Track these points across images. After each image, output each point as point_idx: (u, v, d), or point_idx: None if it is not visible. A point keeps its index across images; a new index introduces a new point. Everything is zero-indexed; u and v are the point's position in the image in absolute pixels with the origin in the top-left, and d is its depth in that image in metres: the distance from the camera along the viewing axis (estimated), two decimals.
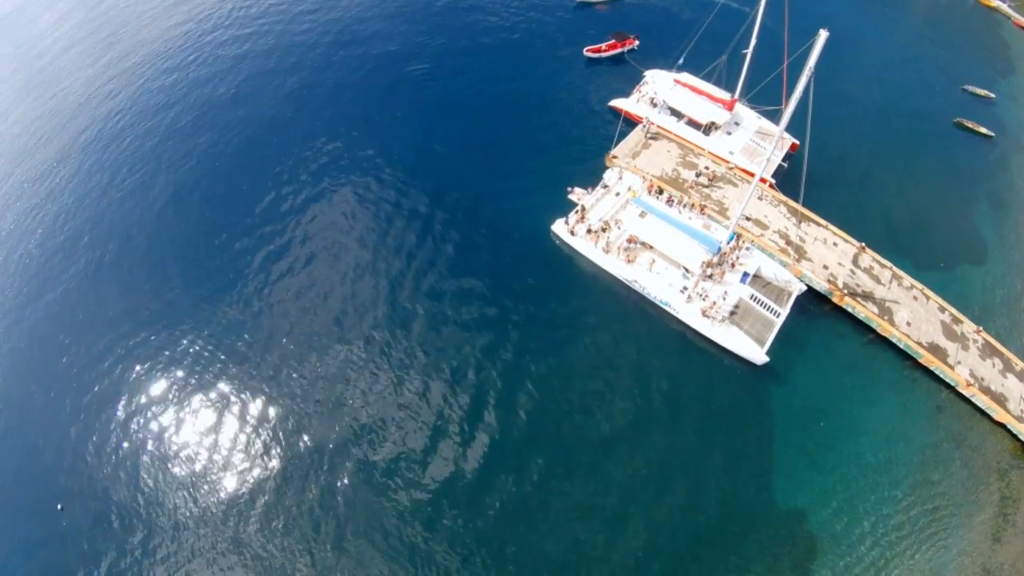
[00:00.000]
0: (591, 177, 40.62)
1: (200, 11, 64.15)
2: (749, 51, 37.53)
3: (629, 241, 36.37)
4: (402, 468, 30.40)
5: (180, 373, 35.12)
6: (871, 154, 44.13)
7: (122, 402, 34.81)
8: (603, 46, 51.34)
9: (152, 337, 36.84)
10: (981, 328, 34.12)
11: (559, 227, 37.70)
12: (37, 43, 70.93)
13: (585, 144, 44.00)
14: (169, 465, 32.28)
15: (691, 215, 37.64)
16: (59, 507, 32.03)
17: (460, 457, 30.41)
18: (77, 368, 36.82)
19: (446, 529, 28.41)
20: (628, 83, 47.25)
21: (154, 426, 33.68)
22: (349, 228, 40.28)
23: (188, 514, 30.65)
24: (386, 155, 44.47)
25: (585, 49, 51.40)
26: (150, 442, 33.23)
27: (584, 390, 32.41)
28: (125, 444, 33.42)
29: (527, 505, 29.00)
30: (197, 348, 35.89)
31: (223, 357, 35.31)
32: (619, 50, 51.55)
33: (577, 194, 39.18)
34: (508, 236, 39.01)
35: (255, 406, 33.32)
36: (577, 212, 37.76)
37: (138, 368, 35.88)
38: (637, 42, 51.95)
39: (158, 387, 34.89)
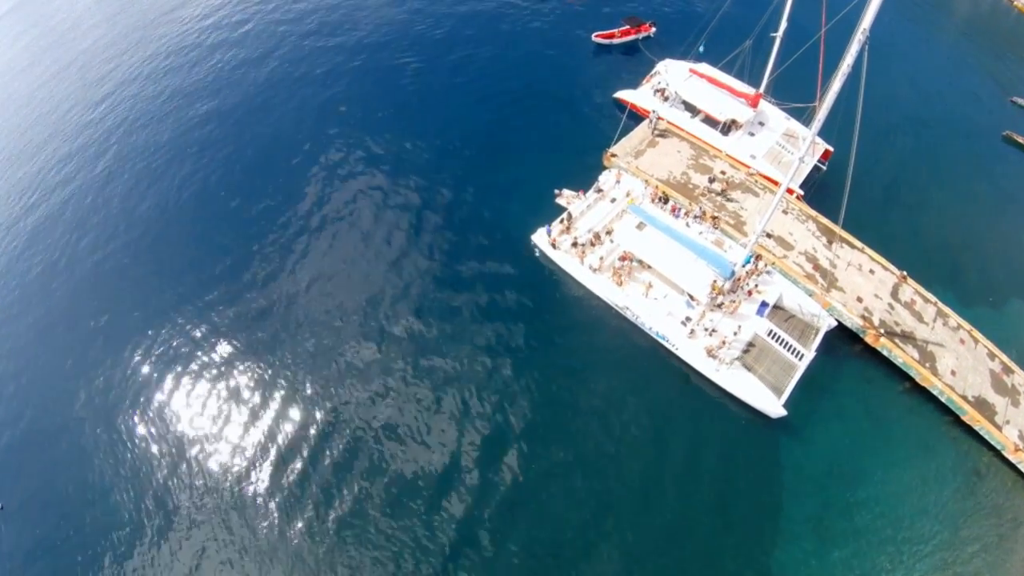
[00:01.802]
0: (587, 179, 35.00)
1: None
2: (779, 34, 31.90)
3: (622, 259, 30.31)
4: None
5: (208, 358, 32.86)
6: (911, 167, 38.58)
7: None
8: (616, 32, 45.94)
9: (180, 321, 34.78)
10: None
11: (539, 238, 31.97)
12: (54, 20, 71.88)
13: (584, 140, 38.39)
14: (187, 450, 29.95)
15: (701, 229, 31.55)
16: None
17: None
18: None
19: None
20: (639, 74, 41.91)
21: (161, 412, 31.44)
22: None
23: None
24: (354, 149, 40.62)
25: (594, 34, 46.04)
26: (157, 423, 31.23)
27: (550, 444, 27.32)
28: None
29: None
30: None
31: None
32: (633, 37, 46.07)
33: (566, 197, 33.50)
34: (481, 246, 33.85)
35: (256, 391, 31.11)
36: (563, 221, 32.03)
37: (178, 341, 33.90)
38: (654, 29, 46.50)
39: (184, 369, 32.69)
